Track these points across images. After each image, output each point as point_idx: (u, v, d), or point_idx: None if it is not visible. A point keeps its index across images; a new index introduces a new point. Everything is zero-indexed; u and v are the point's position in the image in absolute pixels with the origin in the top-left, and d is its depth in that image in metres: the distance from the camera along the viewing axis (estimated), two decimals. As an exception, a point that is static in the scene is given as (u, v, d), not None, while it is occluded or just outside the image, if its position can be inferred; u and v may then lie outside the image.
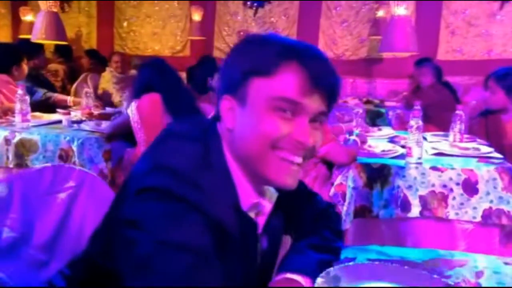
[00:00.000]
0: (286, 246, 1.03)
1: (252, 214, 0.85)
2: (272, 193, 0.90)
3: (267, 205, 0.89)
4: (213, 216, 0.72)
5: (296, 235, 1.00)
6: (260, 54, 0.77)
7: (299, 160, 0.78)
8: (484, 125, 2.68)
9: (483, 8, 5.15)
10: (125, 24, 6.55)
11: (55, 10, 2.91)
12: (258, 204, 0.85)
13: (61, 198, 1.07)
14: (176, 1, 6.30)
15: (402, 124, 4.18)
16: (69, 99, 3.40)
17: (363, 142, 2.18)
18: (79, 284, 0.93)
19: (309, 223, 1.00)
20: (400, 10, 2.18)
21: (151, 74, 2.36)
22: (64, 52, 5.20)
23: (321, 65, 0.77)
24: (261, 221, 0.89)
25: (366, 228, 2.00)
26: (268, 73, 0.75)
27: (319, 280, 0.82)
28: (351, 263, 0.94)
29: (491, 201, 1.82)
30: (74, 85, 4.89)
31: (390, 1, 2.64)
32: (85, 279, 0.91)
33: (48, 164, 1.04)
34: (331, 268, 0.88)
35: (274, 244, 0.95)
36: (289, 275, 0.85)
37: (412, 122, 2.06)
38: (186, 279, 0.65)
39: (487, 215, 1.82)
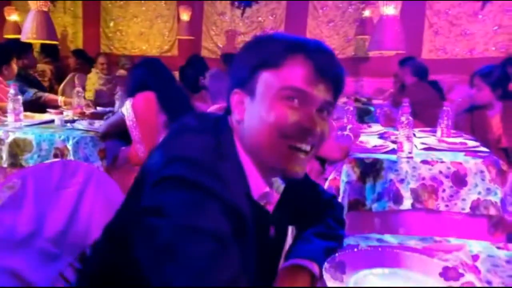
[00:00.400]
0: (291, 235, 1.08)
1: (261, 204, 0.89)
2: (279, 184, 0.94)
3: (275, 196, 0.93)
4: (230, 203, 0.74)
5: (302, 224, 1.04)
6: (268, 49, 0.81)
7: (307, 147, 0.81)
8: (470, 121, 2.77)
9: (465, 8, 5.29)
10: (111, 24, 6.51)
11: (45, 9, 2.90)
12: (268, 194, 0.89)
13: (69, 192, 1.09)
14: (163, 1, 6.29)
15: (389, 121, 4.27)
16: (60, 99, 3.38)
17: (356, 136, 2.22)
18: (89, 276, 0.95)
19: (314, 213, 1.05)
20: (389, 10, 2.25)
21: (145, 73, 2.38)
22: (50, 52, 5.15)
23: (326, 57, 0.81)
24: (269, 210, 0.93)
25: (360, 221, 2.05)
26: (276, 65, 0.79)
27: (326, 265, 0.87)
28: (355, 250, 0.99)
29: (479, 193, 1.89)
30: (62, 85, 4.85)
31: (379, 1, 2.70)
32: (95, 272, 0.93)
33: (57, 160, 1.06)
34: (336, 254, 0.93)
35: (280, 233, 0.99)
36: (298, 261, 0.89)
37: (403, 118, 2.12)
38: (209, 263, 0.67)
39: (476, 206, 1.89)
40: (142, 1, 6.36)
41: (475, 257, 0.99)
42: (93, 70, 4.90)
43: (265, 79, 0.80)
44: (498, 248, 1.05)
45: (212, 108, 2.54)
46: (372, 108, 4.22)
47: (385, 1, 2.27)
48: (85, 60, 5.28)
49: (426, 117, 3.97)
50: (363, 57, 5.53)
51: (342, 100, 4.56)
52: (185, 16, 5.30)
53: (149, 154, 0.87)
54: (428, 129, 2.86)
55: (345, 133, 2.13)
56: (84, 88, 4.86)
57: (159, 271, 0.70)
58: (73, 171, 1.10)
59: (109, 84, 4.91)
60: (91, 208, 1.15)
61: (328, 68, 0.80)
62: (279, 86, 0.79)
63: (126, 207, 0.90)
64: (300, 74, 0.78)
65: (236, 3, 6.03)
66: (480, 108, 2.73)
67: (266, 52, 0.81)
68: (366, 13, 4.75)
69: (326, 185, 2.06)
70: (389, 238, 1.11)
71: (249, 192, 0.84)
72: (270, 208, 0.93)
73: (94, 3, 6.46)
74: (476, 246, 1.06)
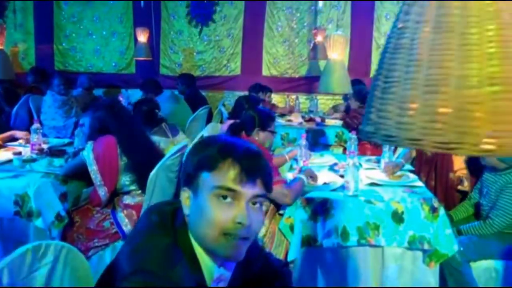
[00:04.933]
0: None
1: (214, 286, 1.02)
2: (231, 262, 1.08)
3: (227, 274, 1.07)
4: None
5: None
6: (206, 154, 0.97)
7: (243, 237, 0.95)
8: (435, 154, 2.87)
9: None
10: (65, 40, 6.38)
11: (1, 47, 2.86)
12: (220, 276, 1.03)
13: (40, 274, 1.18)
14: (119, 14, 6.24)
15: (341, 142, 4.54)
16: None
17: (312, 177, 2.39)
18: None
19: (265, 282, 1.20)
20: (334, 56, 2.46)
21: (105, 116, 2.43)
22: None
23: (251, 159, 0.97)
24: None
25: (312, 256, 2.23)
26: (211, 168, 0.95)
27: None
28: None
29: (415, 229, 2.12)
30: (15, 109, 4.72)
31: (329, 29, 2.87)
32: None
33: (29, 246, 1.14)
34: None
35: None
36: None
37: (349, 160, 2.33)
38: None
39: (412, 241, 2.12)
40: (97, 15, 6.28)
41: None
42: (49, 93, 4.79)
43: (204, 179, 0.96)
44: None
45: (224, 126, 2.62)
46: (325, 130, 4.45)
47: (331, 46, 2.47)
48: (45, 80, 5.12)
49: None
50: (317, 76, 5.78)
51: (297, 120, 4.80)
52: (142, 37, 5.31)
53: (118, 252, 0.99)
54: (374, 157, 3.09)
55: (299, 175, 2.29)
56: (39, 110, 4.76)
57: None
58: (43, 253, 1.19)
59: (65, 107, 4.82)
60: (60, 284, 1.24)
61: (253, 169, 0.96)
62: (214, 185, 0.94)
63: None
64: (229, 175, 0.94)
65: (193, 22, 6.11)
66: None
67: (204, 156, 0.97)
68: (318, 38, 5.00)
69: (281, 223, 2.23)
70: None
71: (203, 282, 0.98)
72: (225, 283, 1.06)
73: (46, 19, 6.31)
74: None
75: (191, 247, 0.98)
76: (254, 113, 2.46)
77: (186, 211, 0.99)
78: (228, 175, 0.94)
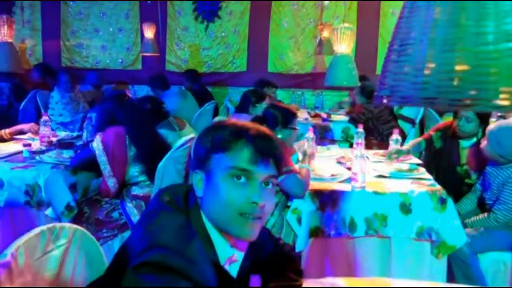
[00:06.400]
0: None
1: (227, 266, 1.04)
2: (243, 243, 1.09)
3: (240, 254, 1.08)
4: (199, 280, 0.88)
5: (265, 276, 1.20)
6: (218, 136, 0.99)
7: (257, 216, 0.97)
8: (441, 144, 2.80)
9: (415, 26, 5.65)
10: (72, 37, 6.43)
11: (10, 40, 2.90)
12: (233, 256, 1.05)
13: (55, 256, 1.19)
14: (125, 10, 6.28)
15: (348, 137, 4.55)
16: (4, 133, 3.11)
17: (312, 155, 2.40)
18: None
19: (275, 266, 1.21)
20: (342, 49, 2.46)
21: (113, 107, 2.45)
22: None
23: (264, 139, 0.98)
24: (235, 267, 1.08)
25: (320, 247, 2.24)
26: (224, 149, 0.97)
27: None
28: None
29: (423, 220, 2.13)
30: (23, 104, 4.76)
31: (335, 23, 2.87)
32: None
33: (44, 227, 1.16)
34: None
35: (245, 285, 1.15)
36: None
37: (356, 152, 2.34)
38: None
39: (420, 232, 2.13)
40: (104, 9, 6.31)
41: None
42: (56, 89, 4.84)
43: (217, 161, 0.97)
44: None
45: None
46: (331, 125, 4.46)
47: (338, 40, 2.48)
48: (50, 76, 5.17)
49: (377, 132, 4.26)
50: (323, 72, 5.78)
51: (302, 116, 4.80)
52: (149, 33, 5.34)
53: (131, 233, 1.00)
54: (381, 151, 3.09)
55: (303, 165, 2.28)
56: (46, 106, 4.80)
57: None
58: (57, 235, 1.21)
59: (72, 103, 4.87)
60: (74, 266, 1.26)
61: (266, 149, 0.97)
62: (228, 166, 0.96)
63: (109, 284, 1.02)
64: (243, 155, 0.95)
65: (199, 18, 6.13)
66: (454, 136, 2.70)
67: (217, 138, 0.98)
68: (324, 34, 5.00)
69: (289, 215, 2.23)
70: (341, 283, 1.28)
71: (217, 260, 0.99)
72: (236, 265, 1.08)
73: (54, 16, 6.36)
74: None
75: (204, 227, 0.99)
76: (275, 111, 2.41)
77: (198, 193, 1.00)
78: (242, 155, 0.95)
